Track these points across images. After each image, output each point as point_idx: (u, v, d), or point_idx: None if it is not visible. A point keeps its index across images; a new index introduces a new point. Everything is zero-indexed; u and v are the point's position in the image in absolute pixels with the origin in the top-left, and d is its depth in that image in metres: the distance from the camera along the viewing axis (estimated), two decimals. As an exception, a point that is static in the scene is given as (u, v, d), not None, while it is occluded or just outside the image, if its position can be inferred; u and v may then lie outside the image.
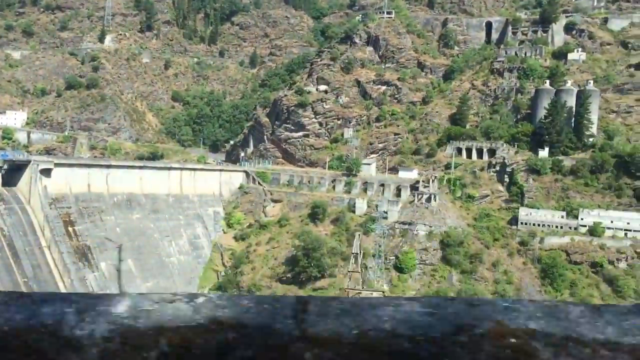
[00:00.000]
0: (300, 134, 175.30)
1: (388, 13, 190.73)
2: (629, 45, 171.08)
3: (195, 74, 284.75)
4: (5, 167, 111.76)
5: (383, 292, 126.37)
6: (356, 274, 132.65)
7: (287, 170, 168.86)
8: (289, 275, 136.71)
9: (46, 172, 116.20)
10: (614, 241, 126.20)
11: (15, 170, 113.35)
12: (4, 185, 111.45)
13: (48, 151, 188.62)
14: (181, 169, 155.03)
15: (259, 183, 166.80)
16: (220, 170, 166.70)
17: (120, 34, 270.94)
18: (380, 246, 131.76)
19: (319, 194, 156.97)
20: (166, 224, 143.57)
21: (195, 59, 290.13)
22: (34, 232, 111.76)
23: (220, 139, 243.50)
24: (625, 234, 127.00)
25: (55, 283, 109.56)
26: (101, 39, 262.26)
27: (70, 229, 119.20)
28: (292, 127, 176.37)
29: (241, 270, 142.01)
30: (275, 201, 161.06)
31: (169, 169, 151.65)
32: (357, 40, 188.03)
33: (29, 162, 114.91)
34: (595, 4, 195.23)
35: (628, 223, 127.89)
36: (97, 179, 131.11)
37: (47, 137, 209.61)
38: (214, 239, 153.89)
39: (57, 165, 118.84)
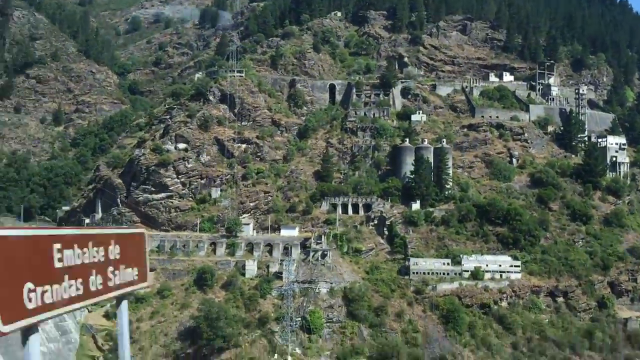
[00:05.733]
0: (163, 195, 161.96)
1: (239, 72, 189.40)
2: (457, 108, 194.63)
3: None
4: None
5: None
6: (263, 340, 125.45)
7: (155, 235, 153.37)
8: (188, 350, 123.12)
9: None
10: (494, 283, 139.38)
11: None
12: None
13: None
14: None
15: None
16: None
17: None
18: (289, 308, 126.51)
19: (199, 258, 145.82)
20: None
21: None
22: None
23: (35, 206, 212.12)
24: (501, 276, 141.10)
25: None
26: None
27: None
28: (153, 189, 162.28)
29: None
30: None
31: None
32: (211, 97, 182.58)
33: None
34: (417, 72, 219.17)
35: (500, 265, 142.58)
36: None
37: None
38: (79, 319, 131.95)
39: None
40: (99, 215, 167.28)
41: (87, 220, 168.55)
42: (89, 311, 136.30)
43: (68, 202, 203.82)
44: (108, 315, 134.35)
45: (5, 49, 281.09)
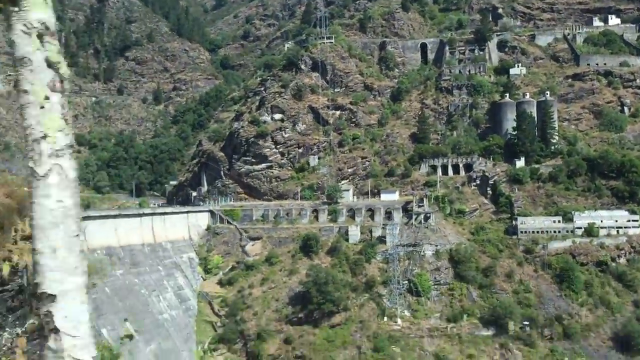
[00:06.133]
0: (263, 165, 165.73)
1: (328, 38, 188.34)
2: (560, 58, 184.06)
3: (96, 114, 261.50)
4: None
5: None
6: (371, 303, 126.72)
7: (259, 205, 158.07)
8: (300, 315, 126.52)
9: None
10: (611, 239, 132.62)
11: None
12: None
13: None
14: (152, 214, 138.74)
15: (228, 222, 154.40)
16: (188, 212, 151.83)
17: (10, 75, 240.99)
18: (395, 271, 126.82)
19: (302, 225, 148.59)
20: (149, 278, 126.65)
21: (93, 98, 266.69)
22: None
23: (145, 182, 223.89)
24: (617, 231, 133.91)
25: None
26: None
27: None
28: (253, 160, 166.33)
29: (241, 317, 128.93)
30: (253, 239, 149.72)
31: (141, 215, 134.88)
32: (302, 66, 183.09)
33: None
34: (512, 22, 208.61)
35: (616, 221, 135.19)
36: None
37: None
38: (196, 287, 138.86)
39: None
40: (204, 188, 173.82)
41: (194, 194, 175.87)
42: (204, 279, 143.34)
43: (174, 177, 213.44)
44: (221, 283, 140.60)
45: (104, 34, 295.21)
